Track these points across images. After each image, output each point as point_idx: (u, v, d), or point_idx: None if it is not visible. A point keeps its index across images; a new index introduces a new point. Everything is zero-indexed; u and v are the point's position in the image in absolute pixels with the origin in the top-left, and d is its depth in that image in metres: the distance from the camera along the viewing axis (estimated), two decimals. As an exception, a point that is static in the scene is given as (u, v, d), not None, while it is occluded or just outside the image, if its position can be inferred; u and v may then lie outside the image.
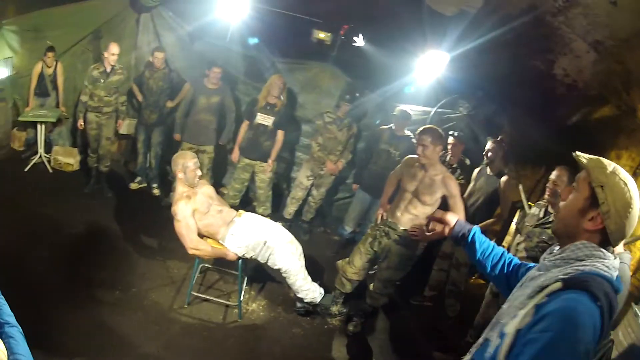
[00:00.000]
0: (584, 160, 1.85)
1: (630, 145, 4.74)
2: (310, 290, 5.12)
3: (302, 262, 5.11)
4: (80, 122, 6.89)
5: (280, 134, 6.71)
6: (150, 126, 7.29)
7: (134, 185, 7.60)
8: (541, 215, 4.43)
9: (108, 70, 6.67)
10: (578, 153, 1.90)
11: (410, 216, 4.85)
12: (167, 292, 5.26)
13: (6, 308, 2.35)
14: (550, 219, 4.25)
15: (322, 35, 7.42)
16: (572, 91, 5.30)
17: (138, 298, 5.06)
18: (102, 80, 6.67)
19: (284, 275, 4.98)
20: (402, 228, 4.88)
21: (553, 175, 4.37)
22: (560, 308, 1.57)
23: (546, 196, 4.44)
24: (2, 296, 2.39)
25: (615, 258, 1.76)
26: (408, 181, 4.88)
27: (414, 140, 5.68)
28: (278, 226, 5.16)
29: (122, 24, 7.71)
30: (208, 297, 5.26)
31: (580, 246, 1.77)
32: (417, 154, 4.72)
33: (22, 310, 4.14)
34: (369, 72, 7.63)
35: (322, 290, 5.27)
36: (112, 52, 6.58)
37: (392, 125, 6.70)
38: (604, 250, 1.74)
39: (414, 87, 7.35)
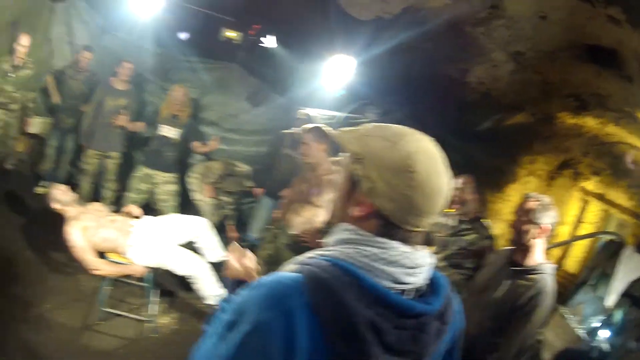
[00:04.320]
0: (335, 133, 1.43)
1: (545, 151, 4.96)
2: (220, 296, 4.80)
3: (216, 245, 5.01)
4: None
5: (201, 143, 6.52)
6: (65, 131, 6.80)
7: (40, 190, 6.94)
8: (455, 224, 4.37)
9: (19, 63, 6.16)
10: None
11: (301, 219, 4.64)
12: (81, 308, 4.95)
13: None
14: (466, 227, 4.26)
15: (231, 34, 7.21)
16: (486, 99, 5.49)
17: (53, 314, 4.72)
18: (12, 74, 6.16)
19: (189, 281, 4.76)
20: (291, 232, 4.74)
21: (458, 184, 4.30)
22: (262, 282, 1.26)
23: (456, 207, 4.36)
24: None
25: (410, 254, 1.30)
26: (299, 183, 4.75)
27: None
28: (174, 221, 5.02)
29: (37, 14, 7.02)
30: (121, 312, 4.99)
31: (337, 230, 1.37)
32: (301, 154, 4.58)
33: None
34: (277, 75, 7.55)
35: None
36: (22, 43, 6.05)
37: (294, 129, 6.58)
38: (367, 233, 1.29)
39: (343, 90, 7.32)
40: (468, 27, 4.90)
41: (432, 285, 1.37)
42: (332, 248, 1.32)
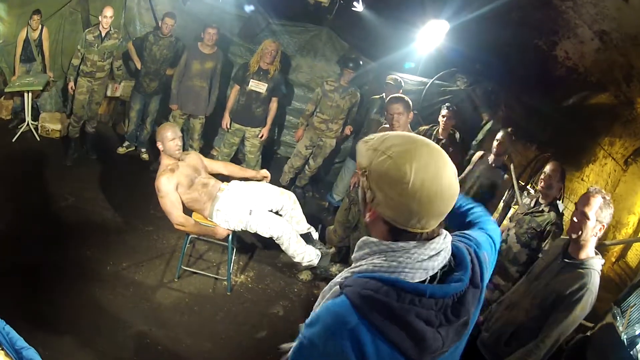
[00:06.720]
0: (358, 144, 1.56)
1: (624, 134, 4.79)
2: (306, 254, 4.81)
3: (301, 218, 5.00)
4: (71, 85, 6.71)
5: (274, 102, 6.60)
6: (148, 95, 7.07)
7: (121, 150, 7.40)
8: (532, 204, 4.43)
9: (103, 34, 6.44)
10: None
11: None
12: (157, 266, 5.21)
13: (15, 334, 2.45)
14: (540, 209, 4.29)
15: (320, -4, 7.13)
16: (572, 74, 5.30)
17: (129, 273, 5.00)
18: (96, 45, 6.44)
19: (276, 242, 4.75)
20: None
21: (547, 169, 4.30)
22: (316, 316, 1.41)
23: (539, 187, 4.39)
24: (6, 324, 2.47)
25: (429, 244, 1.43)
26: None
27: None
28: (262, 189, 4.95)
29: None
30: (197, 271, 5.22)
31: (360, 244, 1.52)
32: (390, 123, 4.68)
33: (14, 289, 4.18)
34: (366, 40, 7.47)
35: (318, 252, 4.94)
36: (106, 14, 6.32)
37: (383, 94, 6.56)
38: (389, 242, 1.44)
39: (413, 62, 7.20)
40: (556, 0, 4.73)
41: (456, 258, 1.52)
42: (361, 262, 1.48)
